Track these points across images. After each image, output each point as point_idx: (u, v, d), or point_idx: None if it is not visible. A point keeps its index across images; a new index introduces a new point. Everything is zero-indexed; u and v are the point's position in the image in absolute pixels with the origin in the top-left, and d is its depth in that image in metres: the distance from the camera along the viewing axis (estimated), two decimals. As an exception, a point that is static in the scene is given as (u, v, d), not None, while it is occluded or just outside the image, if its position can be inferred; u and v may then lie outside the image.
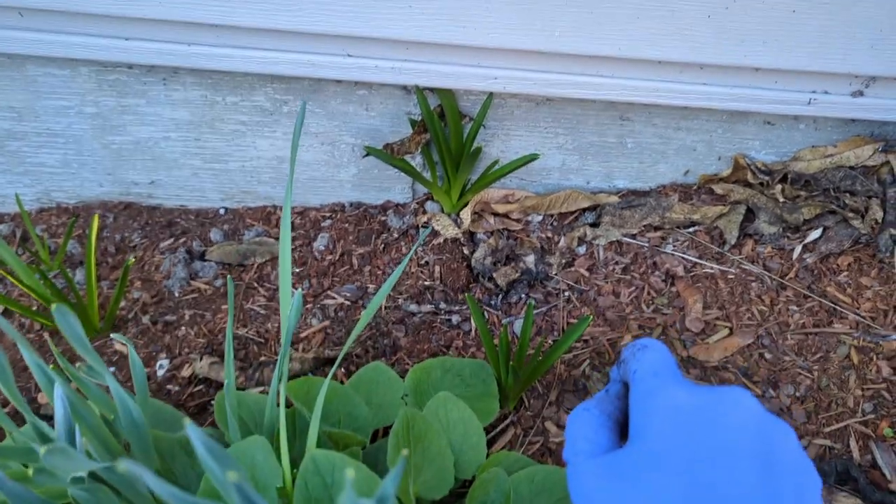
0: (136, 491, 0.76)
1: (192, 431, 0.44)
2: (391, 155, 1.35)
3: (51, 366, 0.70)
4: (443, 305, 1.36)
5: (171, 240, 1.52)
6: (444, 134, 1.32)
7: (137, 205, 1.58)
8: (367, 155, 1.36)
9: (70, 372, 0.75)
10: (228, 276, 0.74)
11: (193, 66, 1.26)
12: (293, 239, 1.52)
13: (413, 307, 1.36)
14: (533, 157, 1.31)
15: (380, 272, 1.44)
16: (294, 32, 1.21)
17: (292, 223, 1.55)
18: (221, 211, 1.58)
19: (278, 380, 0.83)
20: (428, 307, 1.36)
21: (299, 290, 0.73)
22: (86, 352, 0.60)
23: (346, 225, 1.52)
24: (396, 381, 1.12)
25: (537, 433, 1.14)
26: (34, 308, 1.37)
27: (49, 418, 1.24)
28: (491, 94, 1.31)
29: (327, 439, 0.94)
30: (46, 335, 1.34)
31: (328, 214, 1.55)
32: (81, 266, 1.47)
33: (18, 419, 1.19)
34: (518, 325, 1.31)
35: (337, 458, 0.83)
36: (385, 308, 1.37)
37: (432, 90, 1.32)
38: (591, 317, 1.05)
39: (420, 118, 1.35)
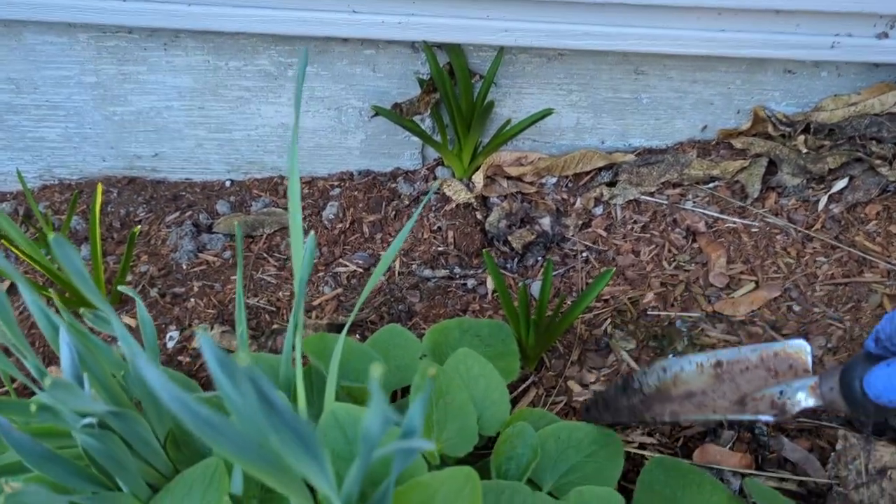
0: (150, 447, 0.73)
1: (205, 341, 0.41)
2: (400, 115, 1.31)
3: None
4: (457, 270, 1.33)
5: (178, 213, 1.48)
6: (454, 92, 1.29)
7: (141, 179, 1.54)
8: (375, 115, 1.32)
9: (76, 328, 0.71)
10: (236, 223, 0.70)
11: (194, 27, 1.22)
12: (302, 209, 1.48)
13: (427, 272, 1.32)
14: (548, 112, 1.27)
15: (391, 239, 1.40)
16: (298, -12, 1.18)
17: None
18: (227, 183, 1.54)
19: (293, 333, 0.79)
20: (442, 272, 1.32)
21: (312, 233, 0.69)
22: (88, 289, 0.57)
23: (356, 193, 1.48)
24: (414, 343, 1.09)
25: (560, 393, 1.11)
26: (40, 283, 1.34)
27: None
28: (502, 49, 1.27)
29: (346, 396, 0.91)
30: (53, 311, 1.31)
31: (336, 183, 1.51)
32: (86, 242, 1.44)
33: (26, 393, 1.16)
34: (535, 288, 1.27)
35: (358, 411, 0.79)
36: (399, 274, 1.33)
37: (441, 46, 1.28)
38: (614, 269, 1.01)
39: (429, 77, 1.32)
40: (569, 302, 1.24)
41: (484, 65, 1.32)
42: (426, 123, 1.40)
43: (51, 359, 1.23)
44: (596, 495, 0.86)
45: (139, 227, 1.30)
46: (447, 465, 0.89)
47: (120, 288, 0.73)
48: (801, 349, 0.78)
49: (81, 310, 0.68)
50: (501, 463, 0.89)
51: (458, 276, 1.32)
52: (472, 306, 1.27)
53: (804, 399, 0.72)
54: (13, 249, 1.24)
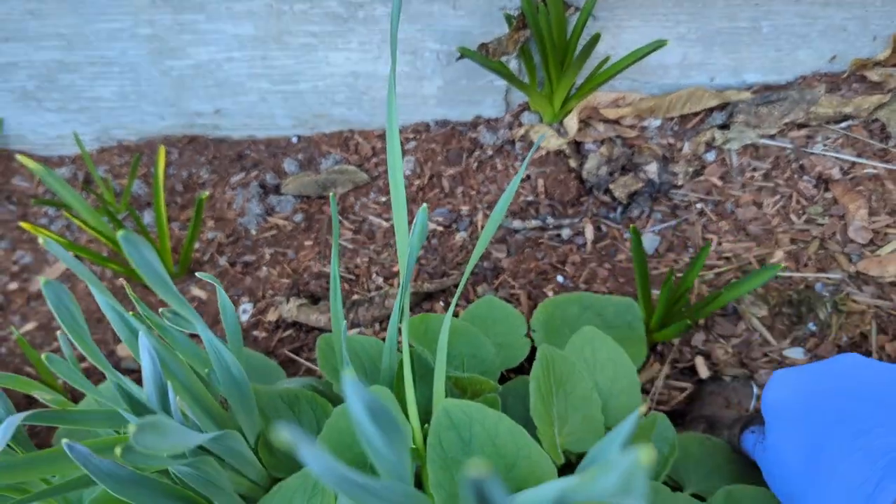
0: (244, 458, 0.63)
1: (350, 385, 0.29)
2: (486, 57, 1.17)
3: (130, 313, 0.57)
4: (550, 220, 1.19)
5: (243, 174, 1.38)
6: (548, 28, 1.13)
7: (203, 137, 1.44)
8: (461, 58, 1.18)
9: (153, 321, 0.61)
10: (332, 195, 0.59)
11: (256, -34, 1.09)
12: (375, 165, 1.36)
13: (516, 224, 1.19)
14: (660, 44, 1.11)
15: (473, 192, 1.27)
16: (370, -86, 1.03)
17: (372, 149, 1.39)
18: (294, 139, 1.43)
19: (398, 318, 0.68)
20: (533, 223, 1.19)
21: (424, 206, 0.57)
22: (167, 292, 0.46)
23: (433, 145, 1.35)
24: (515, 317, 0.97)
25: (685, 372, 0.98)
26: (104, 254, 1.25)
27: (129, 372, 1.13)
28: (602, -25, 1.11)
29: (452, 386, 0.80)
30: (121, 282, 1.23)
31: (412, 136, 1.38)
32: (149, 207, 1.35)
33: (95, 375, 1.08)
34: (646, 242, 1.13)
35: (474, 408, 0.68)
36: (482, 227, 1.21)
37: (532, -24, 1.12)
38: (782, 265, 0.86)
39: (518, 12, 1.16)
40: (686, 258, 1.10)
41: (580, -5, 1.16)
42: (511, 64, 1.25)
43: (116, 337, 1.16)
44: (748, 495, 0.75)
45: (206, 192, 1.20)
46: (570, 460, 0.78)
47: (198, 275, 0.62)
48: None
49: (161, 310, 0.57)
50: (634, 459, 0.77)
51: (550, 227, 1.19)
52: (571, 258, 1.14)
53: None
54: (74, 220, 1.15)
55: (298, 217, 1.29)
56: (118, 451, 0.39)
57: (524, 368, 0.96)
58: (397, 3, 0.65)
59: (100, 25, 1.23)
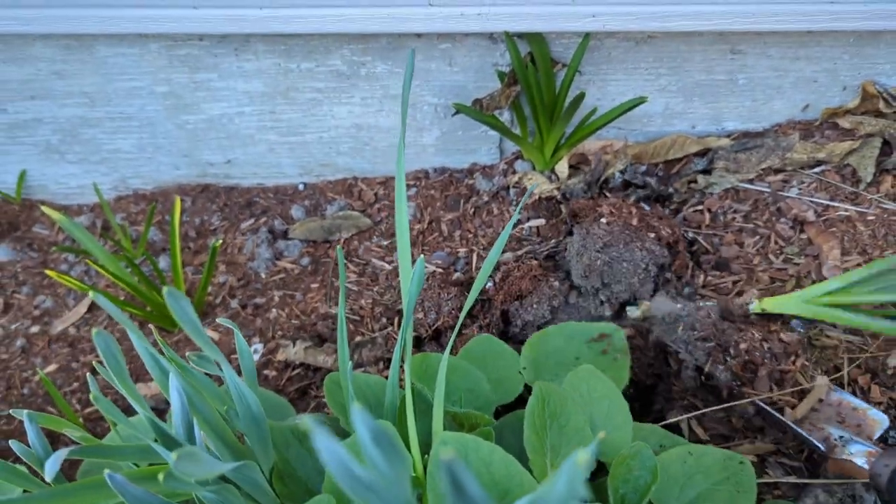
0: (260, 487, 0.69)
1: (359, 416, 0.36)
2: (480, 111, 1.25)
3: (165, 357, 0.63)
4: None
5: (252, 220, 1.46)
6: (537, 83, 1.22)
7: (215, 186, 1.52)
8: (456, 113, 1.26)
9: (178, 363, 0.68)
10: (338, 247, 0.66)
11: (266, 31, 1.18)
12: (378, 211, 1.44)
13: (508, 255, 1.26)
14: (640, 101, 1.19)
15: (470, 235, 1.35)
16: (372, -16, 1.12)
17: (375, 195, 1.47)
18: (300, 186, 1.51)
19: (400, 357, 0.75)
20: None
21: (421, 256, 0.64)
22: (199, 338, 0.53)
23: (432, 192, 1.43)
24: (509, 354, 1.03)
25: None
26: (122, 298, 1.33)
27: (151, 408, 1.20)
28: (587, 36, 1.20)
29: (450, 420, 0.86)
30: (137, 324, 1.30)
31: (412, 182, 1.46)
32: (164, 252, 1.42)
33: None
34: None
35: (469, 440, 0.74)
36: (476, 269, 1.28)
37: (522, 36, 1.21)
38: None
39: (509, 69, 1.25)
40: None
41: (567, 52, 1.25)
42: (504, 116, 1.34)
43: (136, 376, 1.22)
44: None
45: (219, 240, 1.27)
46: (561, 489, 0.84)
47: (219, 320, 0.69)
48: (878, 421, 0.90)
49: (188, 354, 0.64)
50: (618, 486, 0.83)
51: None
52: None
53: (856, 455, 0.84)
54: (93, 265, 1.23)
55: (305, 261, 1.36)
56: (161, 476, 0.46)
57: (521, 403, 1.02)
58: (410, 65, 0.73)
59: (121, 84, 1.32)
